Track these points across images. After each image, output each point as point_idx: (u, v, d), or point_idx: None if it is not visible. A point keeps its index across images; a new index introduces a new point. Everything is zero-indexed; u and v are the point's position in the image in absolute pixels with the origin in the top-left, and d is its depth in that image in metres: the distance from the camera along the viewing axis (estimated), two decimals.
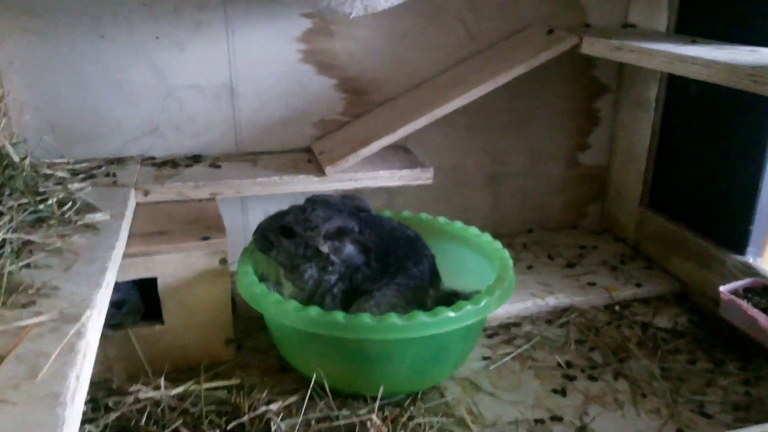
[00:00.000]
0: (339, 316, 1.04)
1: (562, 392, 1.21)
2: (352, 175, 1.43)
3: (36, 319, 0.79)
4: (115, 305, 1.17)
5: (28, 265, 0.93)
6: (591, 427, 1.13)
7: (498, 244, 1.31)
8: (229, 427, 1.04)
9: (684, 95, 1.54)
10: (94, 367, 1.18)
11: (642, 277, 1.59)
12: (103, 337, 1.18)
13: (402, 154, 1.58)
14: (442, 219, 1.42)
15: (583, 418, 1.15)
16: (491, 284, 1.15)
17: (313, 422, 1.07)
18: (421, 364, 1.13)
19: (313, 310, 1.05)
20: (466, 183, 1.76)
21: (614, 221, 1.84)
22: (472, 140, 1.71)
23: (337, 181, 1.43)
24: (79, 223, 1.10)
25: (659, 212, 1.66)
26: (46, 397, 0.64)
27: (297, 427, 1.04)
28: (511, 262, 1.24)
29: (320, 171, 1.43)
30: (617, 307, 1.48)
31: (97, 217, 1.14)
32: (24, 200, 1.11)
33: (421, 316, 1.04)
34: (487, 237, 1.34)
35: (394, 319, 1.03)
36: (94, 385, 1.13)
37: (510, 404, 1.18)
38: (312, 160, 1.52)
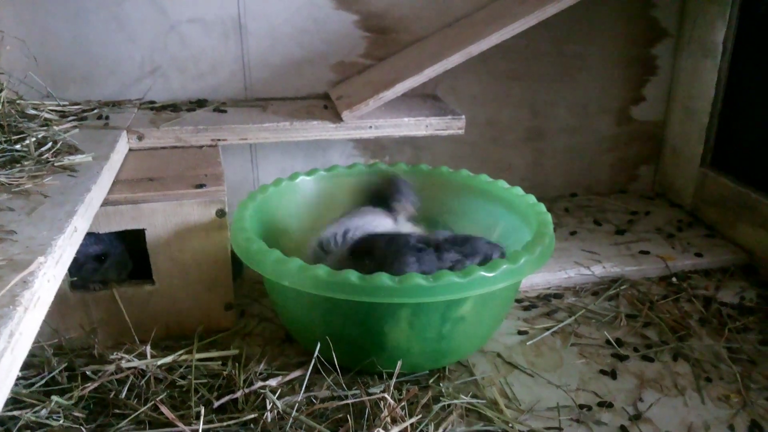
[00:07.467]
0: (352, 275, 0.88)
1: (612, 374, 1.06)
2: (373, 122, 1.29)
3: None
4: (97, 259, 1.07)
5: None
6: (647, 415, 0.97)
7: (532, 198, 1.17)
8: (218, 404, 0.90)
9: (757, 37, 1.39)
10: (75, 332, 1.09)
11: (702, 246, 1.44)
12: (85, 298, 1.07)
13: (431, 101, 1.43)
14: (464, 172, 1.28)
15: (638, 404, 1.00)
16: (529, 242, 0.99)
17: (317, 401, 0.91)
18: (447, 334, 0.98)
19: (321, 269, 0.90)
20: (502, 139, 1.63)
21: (670, 184, 1.71)
22: (512, 90, 1.57)
23: (356, 128, 1.28)
24: (57, 164, 1.00)
25: (723, 173, 1.52)
26: None
27: (297, 406, 0.88)
28: (550, 217, 1.10)
29: (337, 117, 1.28)
30: (674, 279, 1.34)
31: (78, 158, 1.04)
32: None
33: (450, 276, 0.88)
34: (518, 191, 1.20)
35: (417, 279, 0.87)
36: (73, 351, 1.05)
37: (550, 386, 1.04)
38: (329, 107, 1.38)
